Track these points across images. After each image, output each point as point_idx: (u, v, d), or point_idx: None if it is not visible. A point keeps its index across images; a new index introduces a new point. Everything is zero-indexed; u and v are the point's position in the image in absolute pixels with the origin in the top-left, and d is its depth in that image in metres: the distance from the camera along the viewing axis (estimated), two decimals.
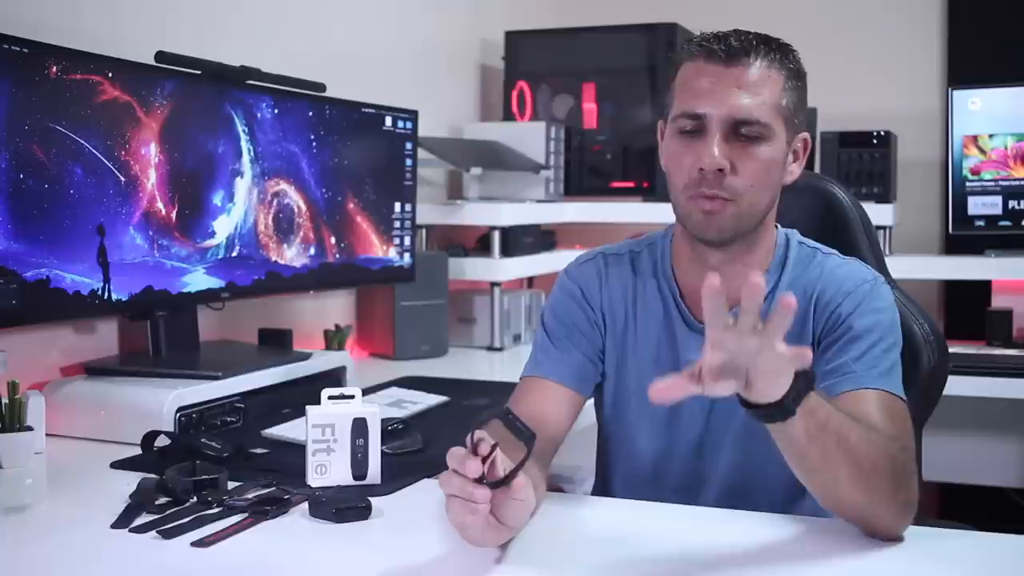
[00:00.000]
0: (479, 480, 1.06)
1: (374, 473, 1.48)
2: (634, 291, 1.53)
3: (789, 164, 1.43)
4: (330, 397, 1.50)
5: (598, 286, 1.54)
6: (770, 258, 1.47)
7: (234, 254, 2.06)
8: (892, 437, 1.26)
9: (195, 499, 1.40)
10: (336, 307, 2.72)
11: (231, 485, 1.46)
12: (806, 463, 1.20)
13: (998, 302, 2.93)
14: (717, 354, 1.05)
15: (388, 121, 2.49)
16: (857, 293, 1.41)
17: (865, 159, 2.95)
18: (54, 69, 1.67)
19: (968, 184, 2.93)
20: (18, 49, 1.61)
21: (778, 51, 1.39)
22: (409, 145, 2.56)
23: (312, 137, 2.25)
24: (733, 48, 1.36)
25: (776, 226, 1.49)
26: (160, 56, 1.91)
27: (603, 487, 1.59)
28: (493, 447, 1.08)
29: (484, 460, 1.07)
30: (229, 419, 1.89)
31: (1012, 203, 2.90)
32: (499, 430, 1.12)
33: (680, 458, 1.49)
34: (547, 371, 1.51)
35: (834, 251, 1.50)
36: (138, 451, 1.65)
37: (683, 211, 1.41)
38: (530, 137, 3.13)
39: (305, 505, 1.38)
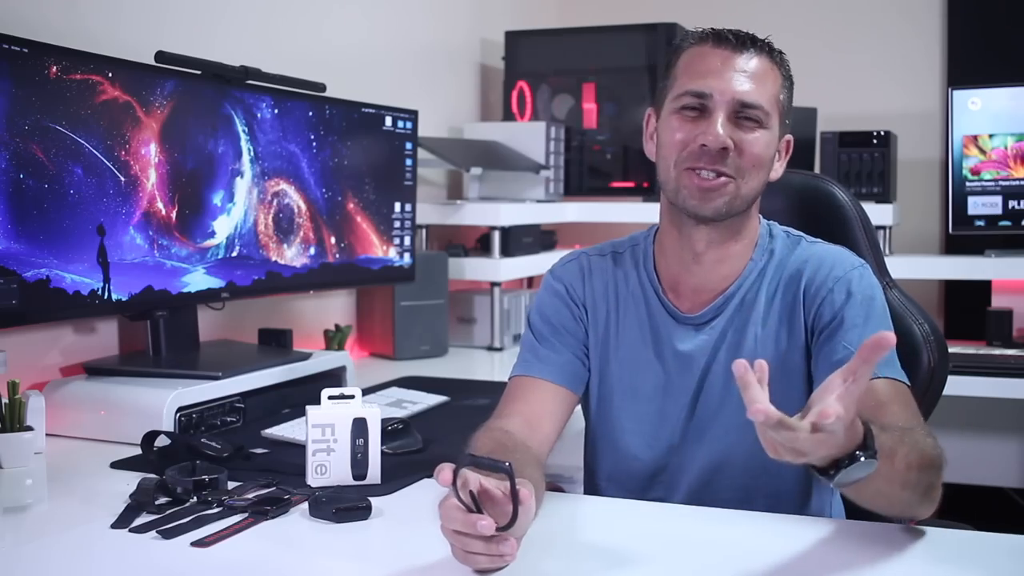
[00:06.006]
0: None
1: (374, 473, 1.49)
2: (616, 288, 1.54)
3: (775, 162, 1.46)
4: (330, 397, 1.50)
5: (582, 283, 1.56)
6: (754, 246, 1.49)
7: (234, 254, 2.06)
8: (917, 428, 1.29)
9: (195, 499, 1.40)
10: (336, 307, 2.73)
11: (231, 485, 1.46)
12: (859, 498, 1.21)
13: (998, 302, 2.93)
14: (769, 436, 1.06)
15: (388, 121, 2.49)
16: (846, 279, 1.43)
17: (865, 159, 2.95)
18: (54, 69, 1.67)
19: (968, 184, 2.93)
20: (18, 49, 1.61)
21: (777, 52, 1.45)
22: (409, 145, 2.56)
23: (312, 137, 2.25)
24: (741, 37, 1.42)
25: (760, 218, 1.52)
26: (160, 56, 1.91)
27: (590, 482, 1.60)
28: (473, 494, 1.09)
29: (478, 507, 1.08)
30: (229, 419, 1.89)
31: (1012, 203, 2.90)
32: (474, 471, 1.13)
33: (664, 451, 1.50)
34: (536, 370, 1.52)
35: (819, 239, 1.51)
36: (138, 451, 1.65)
37: (676, 184, 1.43)
38: (530, 137, 3.13)
39: (305, 505, 1.38)
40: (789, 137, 1.48)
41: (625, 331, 1.52)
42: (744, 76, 1.39)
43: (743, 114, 1.38)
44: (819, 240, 1.51)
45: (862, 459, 1.09)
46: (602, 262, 1.57)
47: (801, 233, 1.52)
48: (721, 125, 1.37)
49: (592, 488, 1.59)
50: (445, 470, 1.08)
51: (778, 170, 1.47)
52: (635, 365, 1.51)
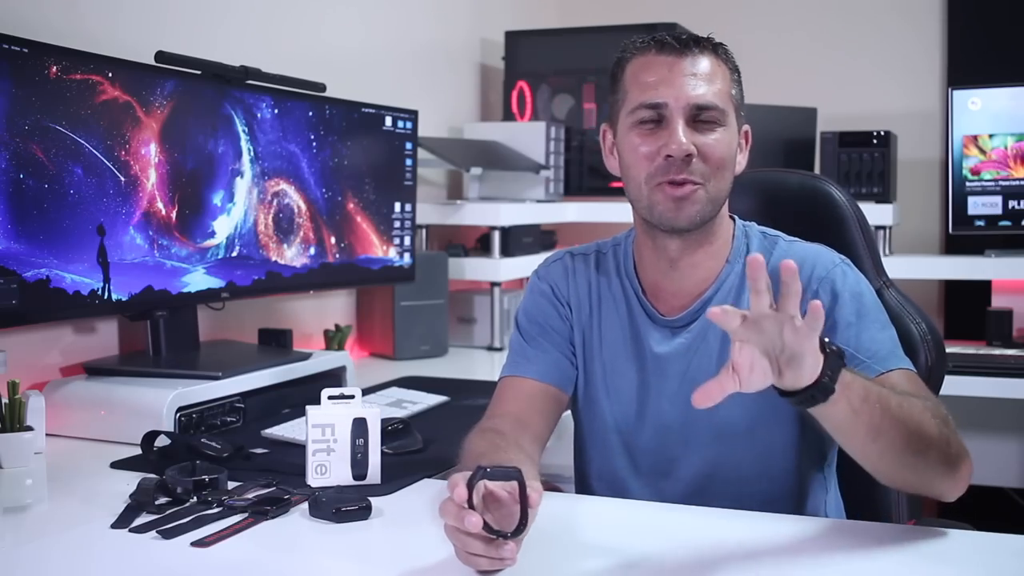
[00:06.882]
0: (488, 531, 1.07)
1: (374, 473, 1.49)
2: (598, 289, 1.55)
3: (737, 156, 1.46)
4: (330, 397, 1.50)
5: (566, 282, 1.57)
6: (729, 247, 1.48)
7: (234, 254, 2.06)
8: (926, 398, 1.30)
9: (195, 499, 1.40)
10: (336, 307, 2.73)
11: (231, 485, 1.46)
12: (857, 438, 1.21)
13: (998, 302, 2.93)
14: (744, 347, 1.08)
15: (388, 121, 2.49)
16: (829, 279, 1.42)
17: (865, 159, 2.95)
18: (54, 69, 1.67)
19: (968, 184, 2.93)
20: (18, 49, 1.61)
21: (720, 47, 1.44)
22: (409, 145, 2.56)
23: (312, 137, 2.25)
24: (683, 40, 1.41)
25: (733, 217, 1.51)
26: (160, 56, 1.91)
27: (580, 480, 1.60)
28: (470, 499, 1.08)
29: (471, 503, 1.07)
30: (229, 419, 1.89)
31: (1012, 203, 2.90)
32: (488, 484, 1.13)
33: (651, 455, 1.50)
34: (524, 370, 1.52)
35: (797, 239, 1.51)
36: (138, 451, 1.65)
37: (648, 202, 1.42)
38: (530, 137, 3.13)
39: (305, 505, 1.38)
40: (747, 128, 1.48)
41: (607, 331, 1.53)
42: (694, 79, 1.38)
43: (700, 117, 1.38)
44: (797, 239, 1.50)
45: (838, 358, 1.11)
46: (585, 262, 1.57)
47: (778, 232, 1.51)
48: (682, 132, 1.37)
49: (583, 488, 1.59)
50: (460, 486, 1.06)
51: (741, 163, 1.47)
52: (615, 365, 1.51)
